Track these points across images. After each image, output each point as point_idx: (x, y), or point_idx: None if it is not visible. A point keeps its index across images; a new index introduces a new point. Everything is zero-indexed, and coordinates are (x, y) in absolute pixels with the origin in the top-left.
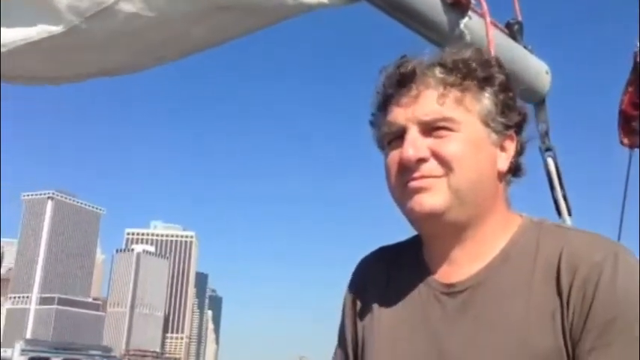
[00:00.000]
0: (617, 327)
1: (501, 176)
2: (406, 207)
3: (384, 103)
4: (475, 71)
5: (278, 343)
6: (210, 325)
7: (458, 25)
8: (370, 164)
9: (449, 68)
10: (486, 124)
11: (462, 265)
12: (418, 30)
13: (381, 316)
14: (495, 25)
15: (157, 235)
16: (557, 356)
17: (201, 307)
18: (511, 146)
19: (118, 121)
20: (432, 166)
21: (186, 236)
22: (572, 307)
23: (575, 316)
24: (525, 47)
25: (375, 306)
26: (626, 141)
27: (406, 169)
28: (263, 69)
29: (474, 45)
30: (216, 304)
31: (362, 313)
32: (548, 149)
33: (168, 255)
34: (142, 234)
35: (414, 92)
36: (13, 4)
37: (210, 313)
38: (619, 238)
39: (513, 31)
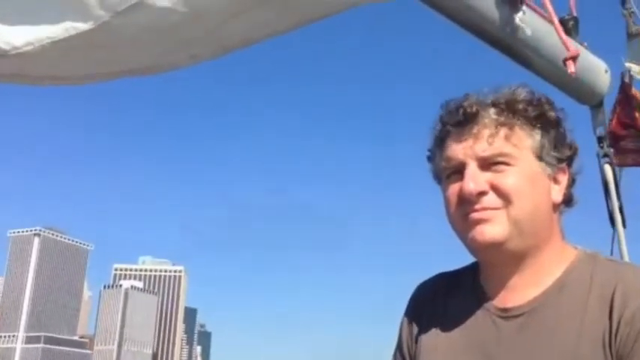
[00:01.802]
0: None
1: (556, 207)
2: (468, 237)
3: (442, 140)
4: (527, 110)
5: None
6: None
7: (512, 19)
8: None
9: (503, 108)
10: (540, 159)
11: (518, 291)
12: (469, 26)
13: (437, 340)
14: (550, 21)
15: (146, 271)
16: None
17: (190, 342)
18: (564, 178)
19: (108, 156)
20: (491, 199)
21: (175, 271)
22: (620, 338)
23: (621, 347)
24: (582, 44)
25: (432, 330)
26: (615, 160)
27: (466, 202)
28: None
29: (534, 43)
30: (205, 339)
31: (418, 337)
32: (605, 155)
33: (156, 290)
34: (131, 269)
35: (472, 130)
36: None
37: (199, 348)
38: (611, 253)
39: (568, 27)
